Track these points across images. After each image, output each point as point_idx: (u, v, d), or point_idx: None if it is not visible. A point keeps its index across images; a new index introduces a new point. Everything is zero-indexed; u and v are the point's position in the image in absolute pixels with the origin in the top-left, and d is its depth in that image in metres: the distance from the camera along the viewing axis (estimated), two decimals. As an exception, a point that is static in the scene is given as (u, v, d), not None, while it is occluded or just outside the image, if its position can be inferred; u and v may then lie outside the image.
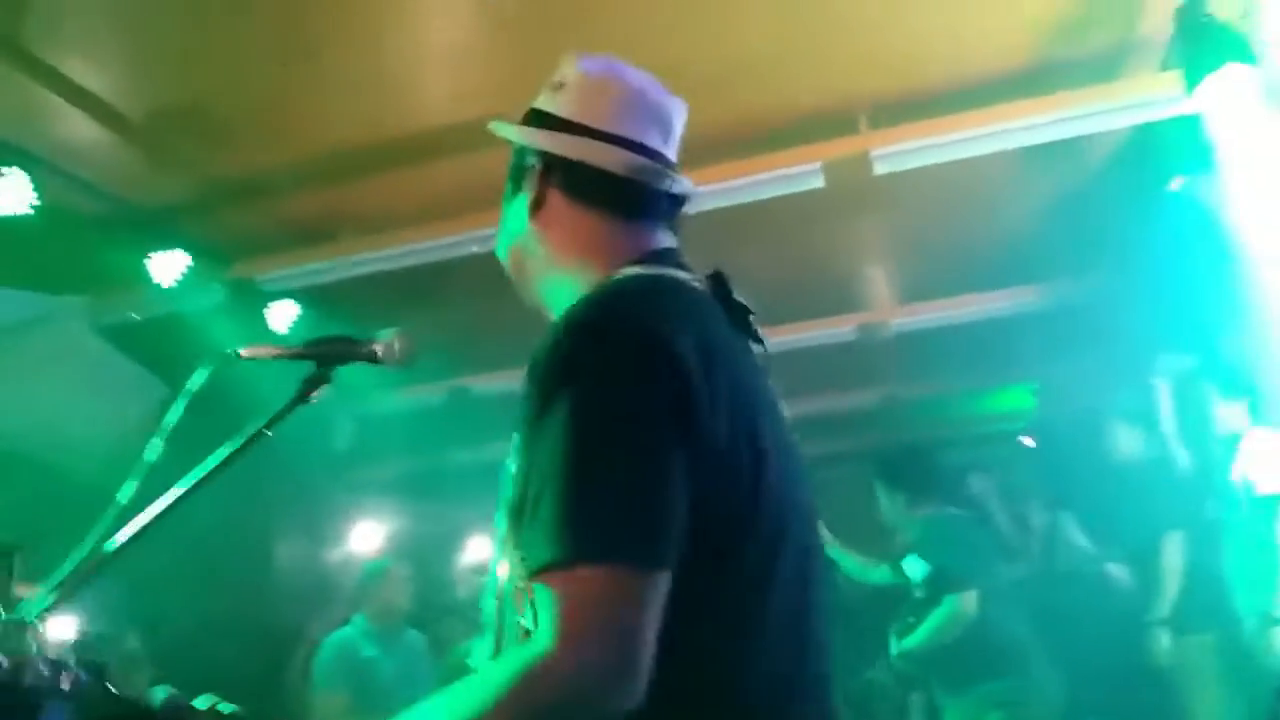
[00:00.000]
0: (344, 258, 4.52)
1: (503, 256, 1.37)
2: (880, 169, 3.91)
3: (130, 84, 3.70)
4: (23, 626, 1.09)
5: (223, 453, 1.33)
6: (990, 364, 6.48)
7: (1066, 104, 3.82)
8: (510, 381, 4.85)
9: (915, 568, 4.12)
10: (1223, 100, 3.38)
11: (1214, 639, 3.73)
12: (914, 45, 3.73)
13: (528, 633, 1.01)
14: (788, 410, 1.28)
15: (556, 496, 0.97)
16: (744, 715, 1.06)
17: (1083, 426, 4.64)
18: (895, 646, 4.15)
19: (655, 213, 1.28)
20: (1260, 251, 3.49)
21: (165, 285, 4.24)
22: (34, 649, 1.08)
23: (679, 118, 1.33)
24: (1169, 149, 4.11)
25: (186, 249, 4.30)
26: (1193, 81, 3.40)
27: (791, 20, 3.54)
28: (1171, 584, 4.01)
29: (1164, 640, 4.01)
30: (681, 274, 1.22)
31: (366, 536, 6.65)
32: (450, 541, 6.96)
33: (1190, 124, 3.79)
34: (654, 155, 1.28)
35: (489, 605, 1.17)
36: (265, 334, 4.84)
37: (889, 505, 4.35)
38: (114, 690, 1.12)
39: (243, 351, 1.44)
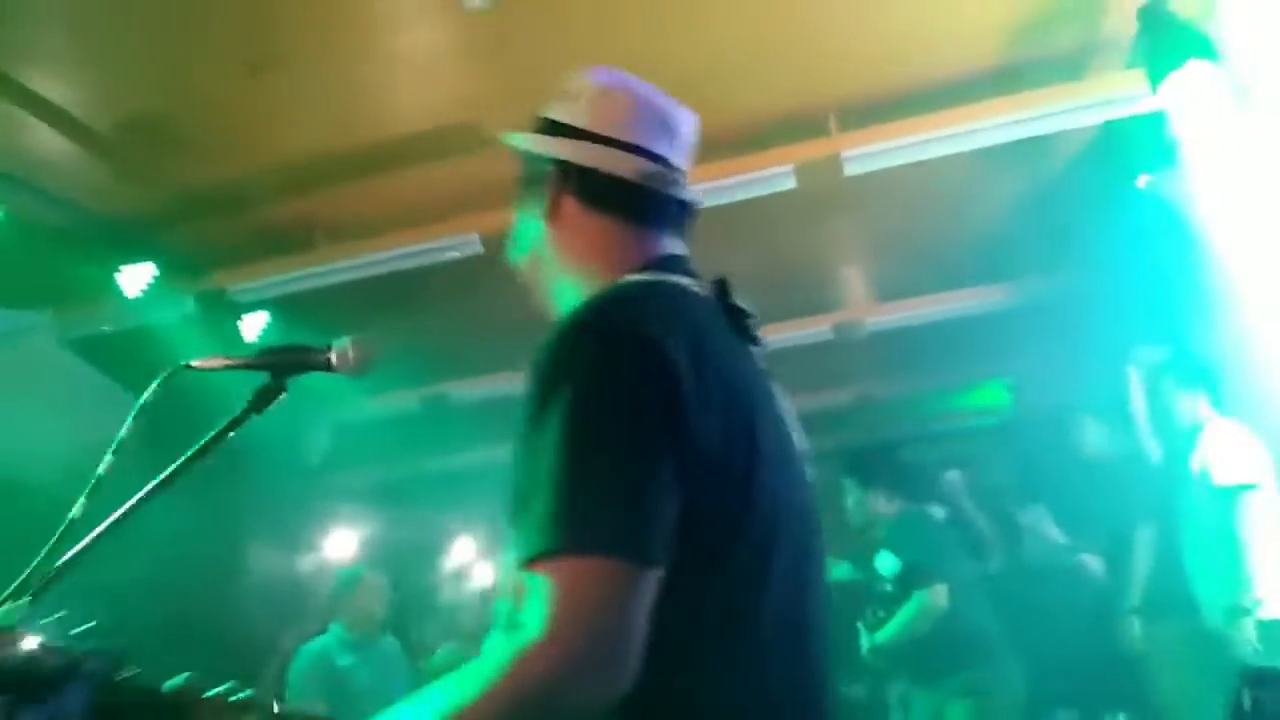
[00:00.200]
0: (317, 266, 4.49)
1: (516, 262, 1.40)
2: (851, 170, 3.94)
3: (96, 95, 3.66)
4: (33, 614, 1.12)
5: (177, 463, 1.31)
6: (964, 361, 6.55)
7: (1033, 103, 3.87)
8: (487, 388, 4.88)
9: (886, 563, 4.18)
10: (1186, 97, 3.42)
11: (1181, 626, 3.77)
12: (882, 48, 3.76)
13: (518, 624, 1.01)
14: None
15: (549, 491, 1.00)
16: (736, 717, 1.08)
17: (1056, 421, 4.69)
18: (866, 641, 4.20)
19: (665, 219, 1.32)
20: (1225, 245, 3.54)
21: (134, 297, 4.20)
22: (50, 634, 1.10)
23: (687, 126, 1.37)
24: (1134, 146, 4.17)
25: (156, 261, 4.26)
26: (1156, 79, 3.44)
27: (761, 24, 3.56)
28: (1142, 573, 4.09)
29: (1135, 628, 4.08)
30: (683, 279, 1.25)
31: (341, 544, 6.62)
32: (428, 548, 6.94)
33: (1155, 121, 3.85)
34: (664, 162, 1.32)
35: (502, 605, 1.18)
36: (237, 345, 4.81)
37: (858, 502, 4.41)
38: (129, 675, 1.13)
39: (194, 363, 1.41)
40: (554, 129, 1.34)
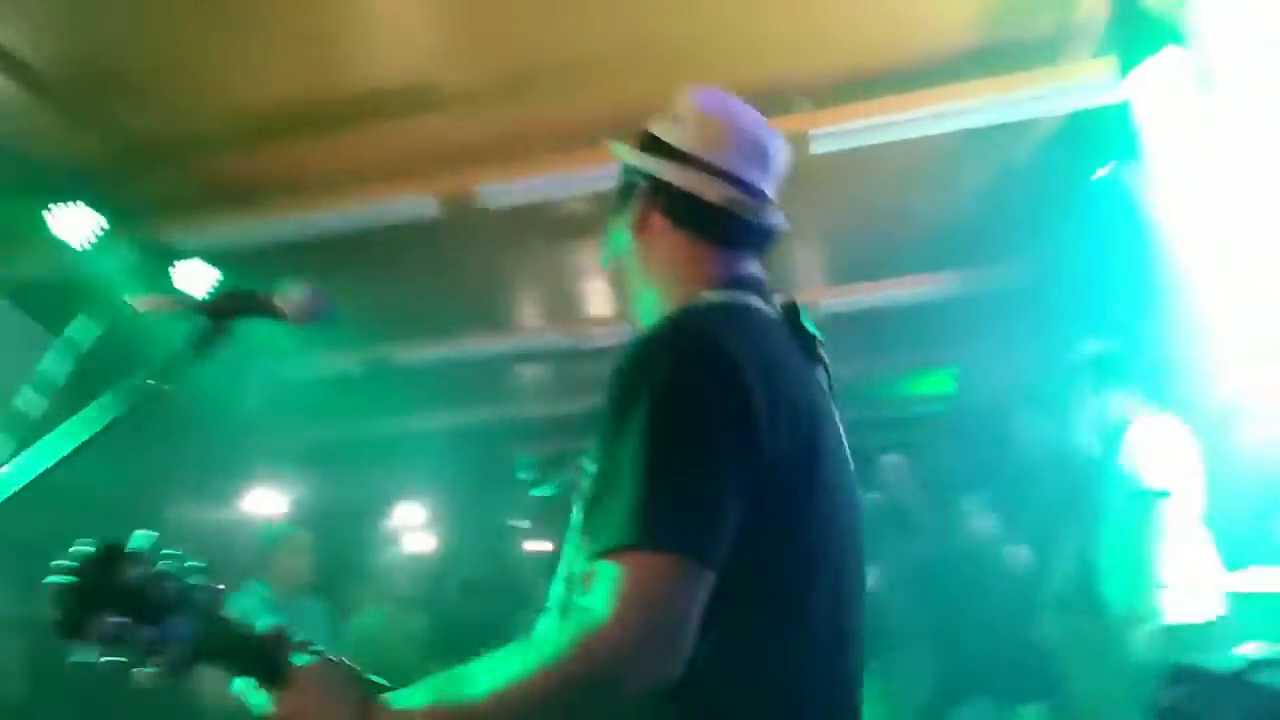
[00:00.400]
0: (265, 221, 4.35)
1: (606, 266, 1.50)
2: (817, 149, 3.90)
3: (39, 37, 3.47)
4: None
5: (105, 408, 1.25)
6: (912, 347, 6.60)
7: (1001, 88, 3.86)
8: (432, 353, 4.80)
9: None
10: (1154, 86, 3.45)
11: (1094, 622, 3.84)
12: (854, 26, 3.72)
13: (583, 608, 1.10)
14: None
15: (628, 491, 1.09)
16: (773, 706, 1.17)
17: (1000, 411, 4.75)
18: None
19: (745, 242, 1.40)
20: (1181, 239, 3.58)
21: (75, 245, 4.01)
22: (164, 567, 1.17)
23: (781, 155, 1.44)
24: (1098, 137, 4.20)
25: (98, 208, 4.08)
26: (1127, 67, 3.46)
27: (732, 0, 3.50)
28: (1064, 567, 4.14)
29: (1051, 621, 4.15)
30: (756, 300, 1.34)
31: (271, 502, 6.47)
32: (361, 510, 6.83)
33: (1120, 112, 3.88)
34: (752, 189, 1.39)
35: (556, 589, 1.27)
36: (177, 295, 4.65)
37: None
38: (226, 615, 1.22)
39: (138, 303, 1.38)
40: (653, 146, 1.42)
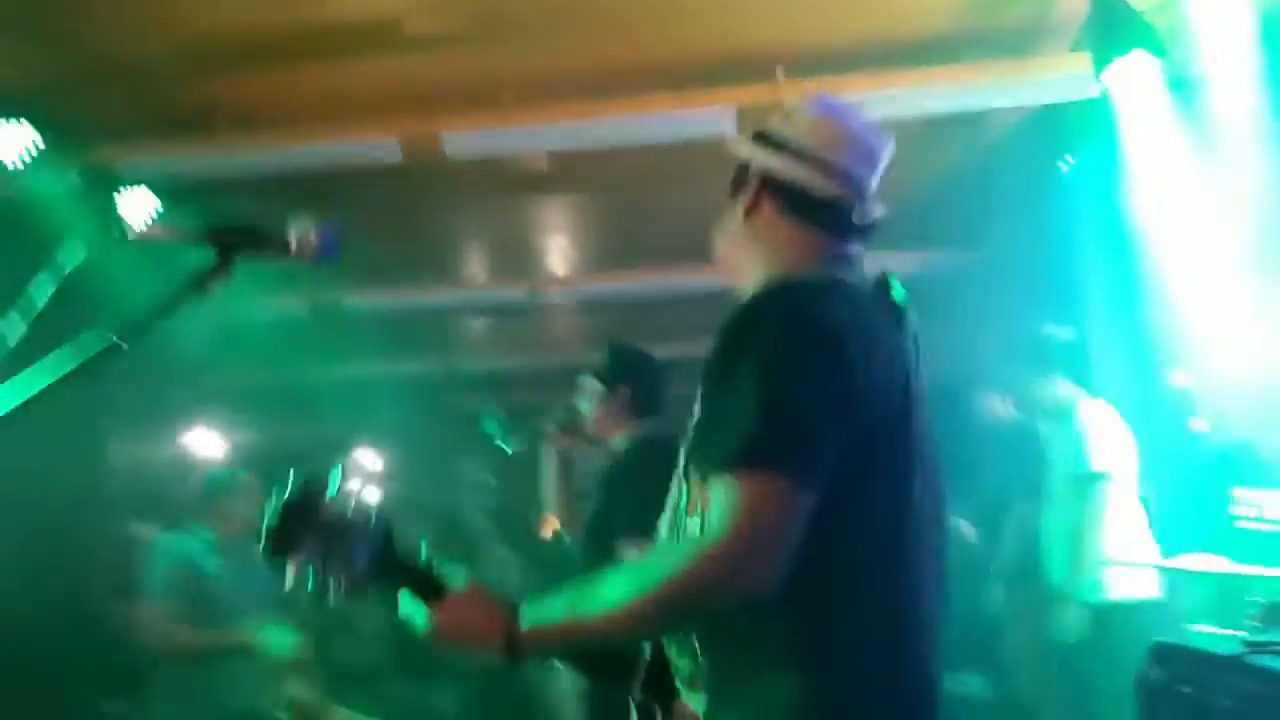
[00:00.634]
0: (218, 153, 4.18)
1: (720, 249, 1.61)
2: (790, 120, 3.86)
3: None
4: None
5: (64, 360, 1.20)
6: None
7: (979, 75, 3.86)
8: (384, 300, 4.67)
9: None
10: (1127, 86, 3.47)
11: (1038, 595, 3.94)
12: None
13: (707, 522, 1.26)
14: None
15: (744, 422, 1.24)
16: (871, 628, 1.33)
17: (953, 390, 4.78)
18: None
19: (848, 232, 1.51)
20: (1148, 234, 3.63)
21: (10, 164, 3.82)
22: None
23: (886, 157, 1.54)
24: (1067, 131, 4.22)
25: (41, 128, 3.87)
26: (1101, 64, 3.47)
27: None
28: (1012, 542, 4.25)
29: (997, 593, 4.25)
30: (849, 275, 1.47)
31: (212, 444, 6.32)
32: (305, 457, 6.68)
33: (1091, 107, 3.90)
34: (857, 185, 1.50)
35: (663, 530, 1.45)
36: (119, 225, 4.47)
37: None
38: (397, 544, 1.39)
39: (132, 231, 1.30)
40: (767, 140, 1.53)
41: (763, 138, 1.54)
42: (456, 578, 1.41)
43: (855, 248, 1.52)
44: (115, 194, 4.33)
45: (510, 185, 4.78)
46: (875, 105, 3.86)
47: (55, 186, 4.02)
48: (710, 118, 3.91)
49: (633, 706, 1.48)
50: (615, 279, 6.22)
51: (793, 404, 1.26)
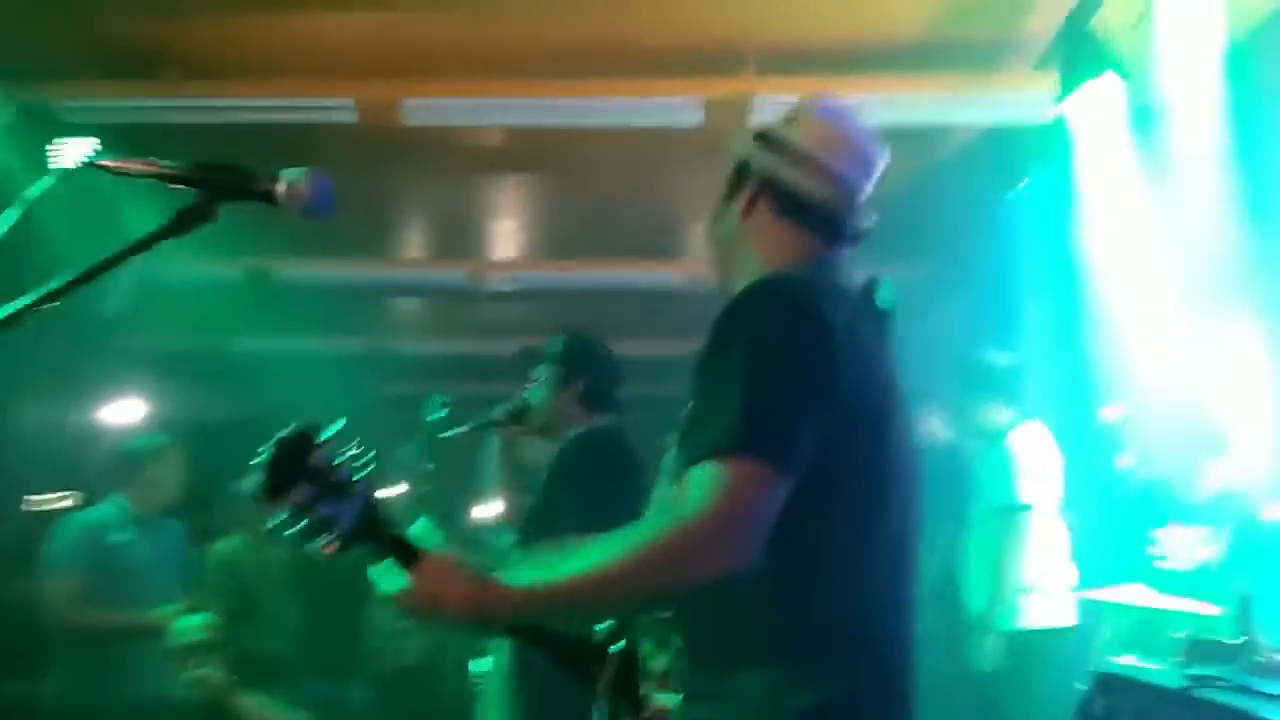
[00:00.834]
0: (162, 99, 3.99)
1: (713, 244, 1.64)
2: (760, 117, 3.84)
3: None
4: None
5: (62, 281, 1.13)
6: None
7: (942, 86, 3.90)
8: (317, 270, 4.49)
9: None
10: (1088, 112, 3.53)
11: (950, 622, 3.95)
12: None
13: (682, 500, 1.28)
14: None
15: (726, 409, 1.27)
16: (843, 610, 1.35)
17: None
18: None
19: (840, 236, 1.55)
20: (1093, 265, 3.69)
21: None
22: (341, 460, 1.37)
23: (881, 166, 1.58)
24: (1021, 152, 4.29)
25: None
26: (1069, 86, 3.53)
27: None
28: (935, 562, 4.25)
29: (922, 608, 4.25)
30: (836, 277, 1.51)
31: (129, 411, 6.05)
32: (227, 428, 6.44)
33: (1046, 132, 3.97)
34: (852, 193, 1.53)
35: (661, 493, 1.52)
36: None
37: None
38: (381, 506, 1.39)
39: (104, 162, 1.25)
40: (768, 142, 1.56)
41: (764, 139, 1.57)
42: (432, 545, 1.41)
43: (844, 252, 1.56)
44: (54, 134, 4.13)
45: (466, 161, 4.68)
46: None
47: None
48: (677, 107, 3.89)
49: (597, 707, 1.48)
50: (563, 268, 6.15)
51: (776, 393, 1.29)
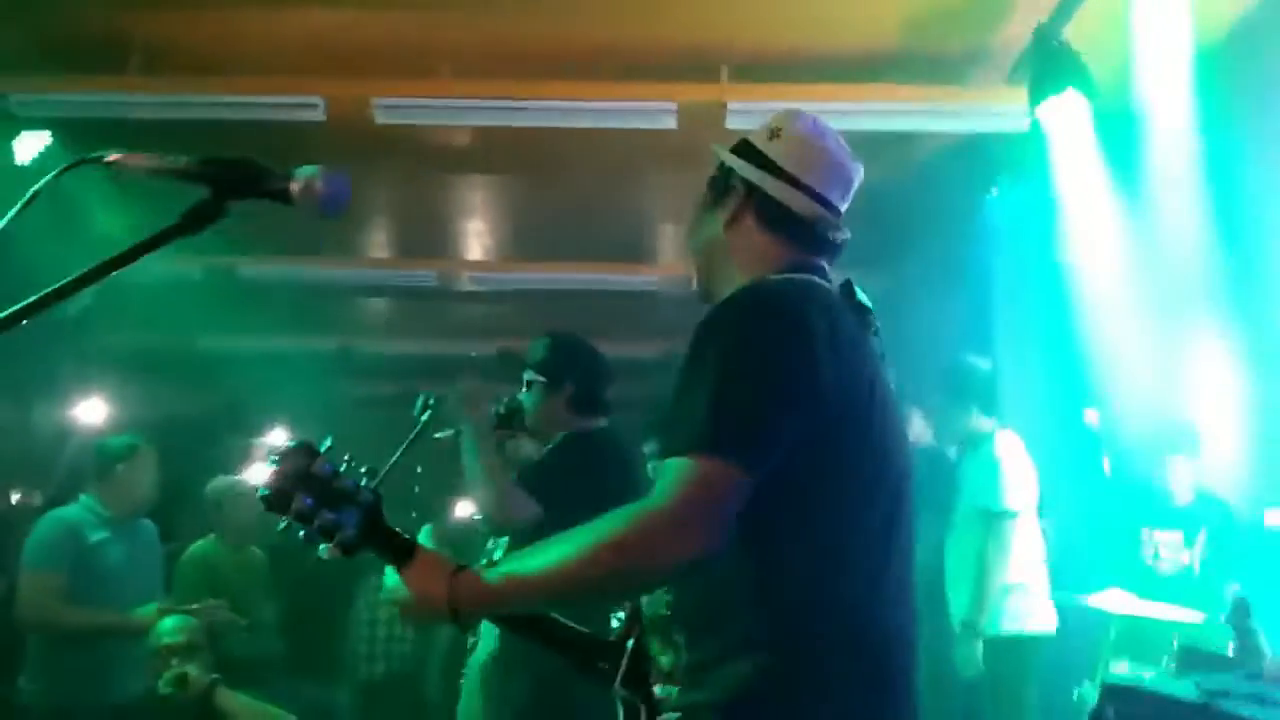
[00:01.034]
0: (124, 94, 3.91)
1: (694, 252, 1.68)
2: (733, 123, 3.83)
3: None
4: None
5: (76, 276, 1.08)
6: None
7: (914, 96, 3.93)
8: (283, 267, 4.41)
9: None
10: (1060, 122, 3.55)
11: (932, 627, 3.95)
12: (787, 4, 3.69)
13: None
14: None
15: (697, 410, 1.33)
16: (832, 615, 1.38)
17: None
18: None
19: (819, 248, 1.59)
20: (1069, 272, 3.71)
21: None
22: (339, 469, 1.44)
23: (858, 180, 1.63)
24: (995, 161, 4.32)
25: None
26: (1036, 99, 3.54)
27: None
28: (920, 563, 4.23)
29: None
30: (817, 279, 1.53)
31: (91, 410, 5.94)
32: (194, 427, 6.34)
33: (1020, 141, 4.00)
34: (831, 209, 1.59)
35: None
36: (7, 159, 4.16)
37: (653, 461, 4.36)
38: (382, 513, 1.45)
39: (109, 157, 1.16)
40: (751, 156, 1.59)
41: (750, 151, 1.60)
42: (428, 548, 1.48)
43: (824, 262, 1.60)
44: (12, 134, 4.05)
45: (437, 161, 4.63)
46: (822, 116, 3.89)
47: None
48: (651, 111, 3.87)
49: (618, 703, 1.52)
50: (535, 269, 6.11)
51: (746, 395, 1.34)
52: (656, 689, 1.48)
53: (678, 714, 1.43)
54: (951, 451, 4.22)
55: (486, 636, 2.82)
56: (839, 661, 1.37)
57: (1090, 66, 3.44)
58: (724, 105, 3.80)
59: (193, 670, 2.95)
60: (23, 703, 3.38)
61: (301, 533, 1.42)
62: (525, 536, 2.70)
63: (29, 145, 4.18)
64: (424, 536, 1.47)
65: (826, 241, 1.58)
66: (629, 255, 6.14)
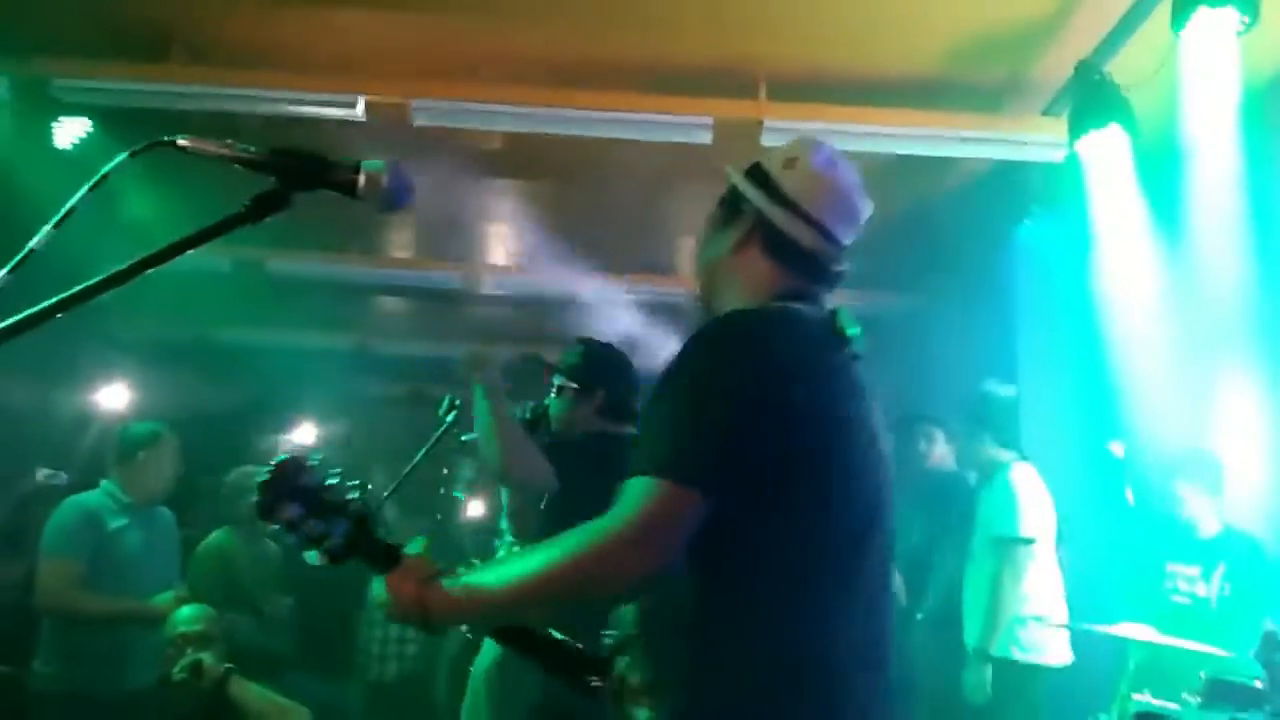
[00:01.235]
0: (167, 84, 3.93)
1: (700, 267, 1.72)
2: (768, 140, 3.84)
3: None
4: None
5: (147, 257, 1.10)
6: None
7: (951, 124, 3.93)
8: (312, 264, 4.42)
9: None
10: (1100, 156, 3.54)
11: (949, 652, 3.92)
12: (827, 25, 3.70)
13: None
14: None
15: (658, 436, 1.39)
16: (802, 662, 1.38)
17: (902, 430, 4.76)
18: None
19: (820, 279, 1.63)
20: (1102, 304, 3.69)
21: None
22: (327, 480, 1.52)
23: (866, 215, 1.66)
24: (1027, 190, 4.30)
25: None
26: (1076, 133, 3.53)
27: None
28: (941, 585, 4.21)
29: (922, 638, 4.22)
30: (804, 308, 1.56)
31: (113, 395, 5.97)
32: (216, 418, 6.36)
33: (1054, 171, 3.99)
34: (837, 244, 1.62)
35: None
36: (46, 143, 4.19)
37: None
38: (370, 523, 1.53)
39: (183, 141, 1.16)
40: (765, 184, 1.62)
41: (763, 178, 1.63)
42: (411, 553, 1.53)
43: (823, 291, 1.64)
44: (53, 117, 4.08)
45: (468, 165, 4.64)
46: (848, 138, 3.89)
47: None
48: (687, 125, 3.87)
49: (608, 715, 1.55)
50: (562, 277, 6.11)
51: (704, 420, 1.38)
52: (628, 707, 1.51)
53: None
54: (972, 477, 4.21)
55: (489, 642, 2.82)
56: (782, 695, 1.37)
57: (1132, 101, 3.45)
58: (760, 122, 3.81)
59: (208, 659, 2.95)
60: (37, 687, 3.38)
61: (290, 539, 1.50)
62: (533, 530, 2.71)
63: (69, 130, 4.22)
64: (415, 546, 1.54)
65: (827, 273, 1.62)
66: (654, 267, 6.14)
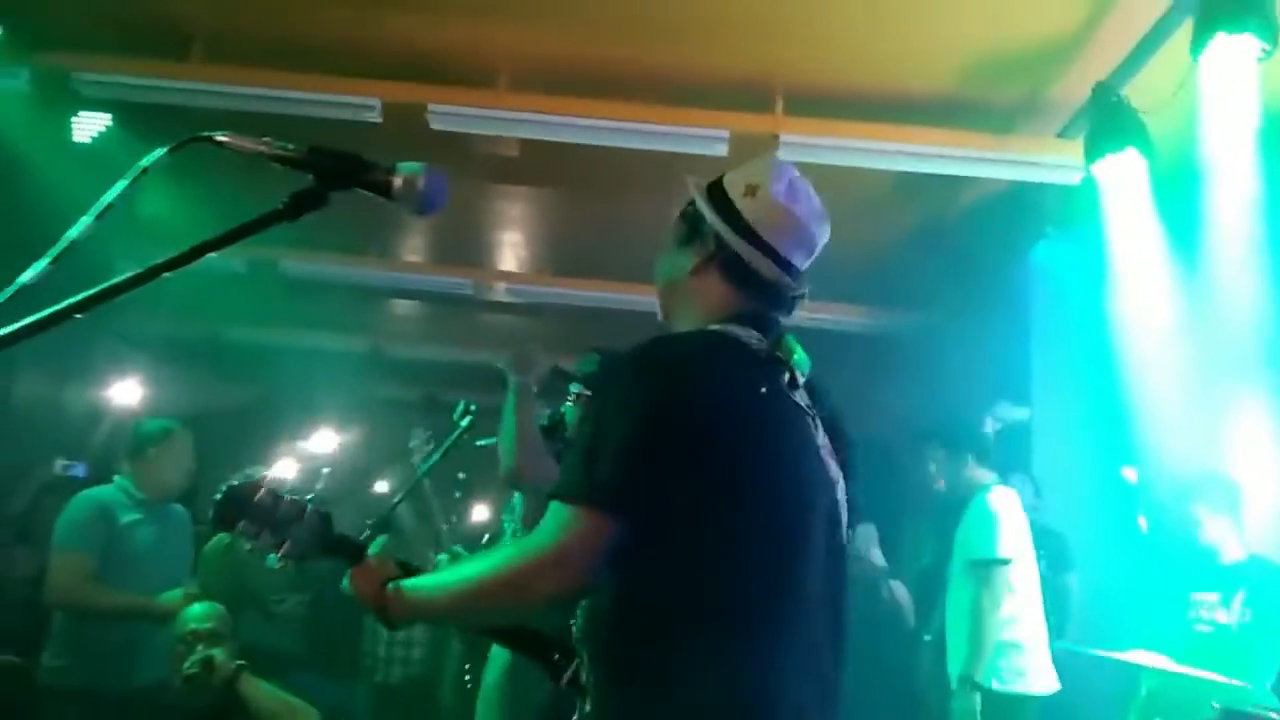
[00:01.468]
0: (184, 81, 3.96)
1: (660, 287, 1.74)
2: (784, 155, 3.83)
3: None
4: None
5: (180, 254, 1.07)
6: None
7: (965, 142, 3.92)
8: (327, 265, 4.40)
9: None
10: (1115, 179, 3.52)
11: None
12: (845, 41, 3.70)
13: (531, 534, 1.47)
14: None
15: (579, 453, 1.45)
16: (733, 689, 1.41)
17: (889, 446, 4.75)
18: None
19: (776, 305, 1.65)
20: (1122, 320, 3.65)
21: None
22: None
23: (823, 242, 1.68)
24: (1039, 211, 4.28)
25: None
26: (1093, 156, 3.52)
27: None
28: (943, 614, 4.15)
29: (928, 657, 4.18)
30: (745, 333, 1.57)
31: (125, 392, 5.99)
32: (228, 416, 6.37)
33: (1068, 194, 3.97)
34: (794, 273, 1.64)
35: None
36: (64, 135, 4.21)
37: None
38: (328, 529, 1.68)
39: (220, 137, 1.16)
40: (726, 208, 1.63)
41: (724, 203, 1.64)
42: (375, 549, 1.66)
43: (779, 315, 1.65)
44: (72, 111, 4.11)
45: (483, 171, 4.66)
46: (863, 154, 3.89)
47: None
48: (703, 138, 3.87)
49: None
50: (568, 284, 6.12)
51: (620, 447, 1.42)
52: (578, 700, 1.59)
53: None
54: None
55: (498, 653, 2.81)
56: (691, 710, 1.41)
57: (1149, 125, 3.43)
58: (776, 136, 3.81)
59: (219, 655, 2.95)
60: (46, 681, 3.37)
61: (248, 546, 1.66)
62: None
63: (88, 125, 4.25)
64: (376, 547, 1.68)
65: (781, 299, 1.65)
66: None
